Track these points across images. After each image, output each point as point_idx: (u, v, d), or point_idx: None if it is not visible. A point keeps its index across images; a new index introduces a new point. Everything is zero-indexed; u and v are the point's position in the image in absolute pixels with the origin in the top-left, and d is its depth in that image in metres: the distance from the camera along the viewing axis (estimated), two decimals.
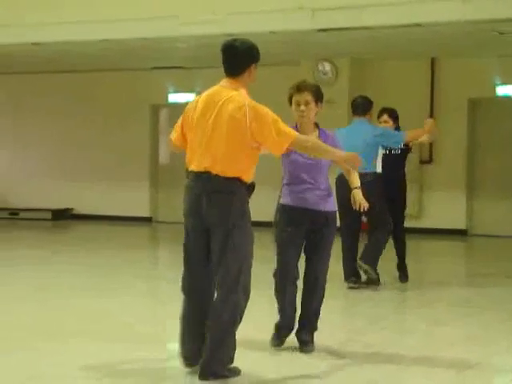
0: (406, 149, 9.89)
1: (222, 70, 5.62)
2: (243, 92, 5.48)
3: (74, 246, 13.75)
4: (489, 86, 15.15)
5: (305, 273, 6.37)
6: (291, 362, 6.07)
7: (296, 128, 6.21)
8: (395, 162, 9.71)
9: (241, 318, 5.47)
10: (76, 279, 9.94)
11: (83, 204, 18.11)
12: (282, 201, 6.38)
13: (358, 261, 9.18)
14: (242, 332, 5.57)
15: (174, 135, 5.66)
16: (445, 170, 15.47)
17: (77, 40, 13.47)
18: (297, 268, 6.35)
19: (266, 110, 5.41)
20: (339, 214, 9.29)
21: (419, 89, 15.52)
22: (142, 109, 17.53)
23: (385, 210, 9.27)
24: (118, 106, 17.69)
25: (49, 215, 18.01)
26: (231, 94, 5.41)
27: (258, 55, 5.62)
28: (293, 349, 6.32)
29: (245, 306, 5.48)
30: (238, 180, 5.37)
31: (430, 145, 15.43)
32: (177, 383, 5.49)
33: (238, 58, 5.53)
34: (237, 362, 5.51)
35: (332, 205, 6.35)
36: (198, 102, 5.55)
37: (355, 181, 6.75)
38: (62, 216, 18.10)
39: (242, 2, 12.59)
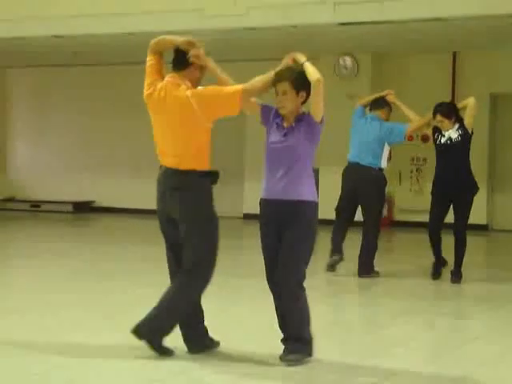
0: (465, 134, 9.29)
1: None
2: (187, 84, 5.64)
3: (96, 239, 13.83)
4: (511, 80, 15.09)
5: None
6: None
7: (282, 120, 5.72)
8: (452, 153, 9.31)
9: (195, 300, 5.74)
10: (100, 272, 10.01)
11: (104, 197, 18.20)
12: None
13: (359, 275, 9.56)
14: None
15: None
16: None
17: (101, 33, 13.55)
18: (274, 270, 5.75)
19: (207, 89, 5.58)
20: (341, 203, 9.86)
21: (441, 83, 15.48)
22: None
23: (380, 213, 9.71)
24: (141, 100, 17.68)
25: (70, 208, 18.11)
26: (174, 89, 5.62)
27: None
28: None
29: (205, 287, 5.73)
30: (194, 172, 5.59)
31: None
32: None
33: (185, 55, 5.71)
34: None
35: (304, 193, 5.66)
36: (157, 98, 5.76)
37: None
38: (83, 208, 18.20)
39: None
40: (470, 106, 9.35)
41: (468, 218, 9.41)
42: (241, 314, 7.50)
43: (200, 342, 5.84)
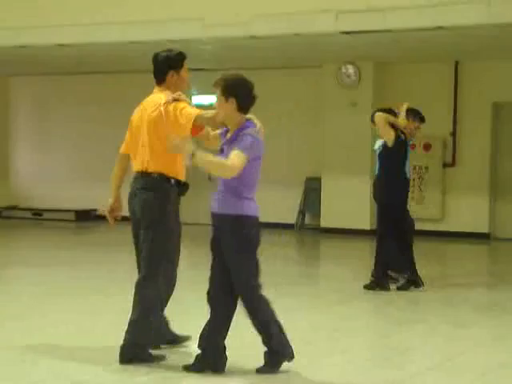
0: (383, 146, 9.44)
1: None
2: (165, 94, 5.95)
3: (97, 248, 13.83)
4: None
5: None
6: (311, 360, 6.09)
7: (226, 132, 5.72)
8: (377, 163, 9.61)
9: (161, 307, 5.93)
10: (106, 280, 10.04)
11: (107, 205, 18.17)
12: None
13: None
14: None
15: (123, 146, 6.27)
16: (468, 173, 15.44)
17: (103, 42, 13.59)
18: (218, 284, 5.65)
19: (177, 104, 5.79)
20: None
21: (443, 92, 15.50)
22: None
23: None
24: None
25: (72, 216, 18.09)
26: (153, 98, 5.99)
27: (175, 63, 6.09)
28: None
29: (166, 295, 5.91)
30: (161, 176, 5.86)
31: (454, 148, 15.43)
32: None
33: (157, 67, 6.10)
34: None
35: (239, 208, 5.50)
36: (136, 110, 6.14)
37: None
38: (86, 217, 18.18)
39: (266, 4, 12.63)
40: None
41: (382, 225, 9.40)
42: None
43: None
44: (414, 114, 9.71)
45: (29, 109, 19.23)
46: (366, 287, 9.33)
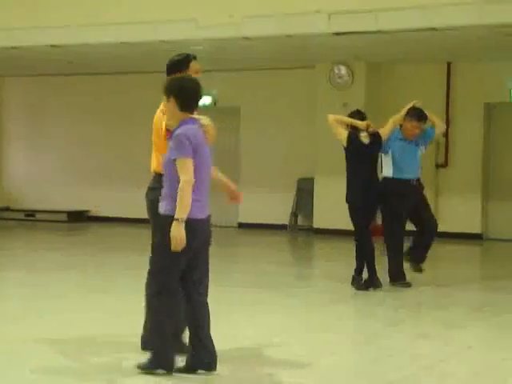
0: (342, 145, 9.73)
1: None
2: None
3: (89, 249, 13.81)
4: (505, 90, 15.14)
5: None
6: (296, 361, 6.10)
7: None
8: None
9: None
10: (100, 280, 10.06)
11: (99, 206, 18.17)
12: None
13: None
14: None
15: None
16: (460, 174, 15.47)
17: (96, 43, 13.59)
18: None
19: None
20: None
21: (435, 93, 15.52)
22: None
23: (387, 218, 9.65)
24: (135, 109, 17.74)
25: (64, 217, 18.08)
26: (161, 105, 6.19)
27: (179, 67, 6.29)
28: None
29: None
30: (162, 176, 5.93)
31: (446, 149, 15.46)
32: None
33: (167, 73, 6.36)
34: None
35: (164, 207, 5.60)
36: None
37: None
38: (78, 218, 18.17)
39: (258, 5, 12.65)
40: None
41: (353, 225, 9.57)
42: (237, 322, 7.51)
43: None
44: (412, 114, 9.76)
45: (21, 110, 19.20)
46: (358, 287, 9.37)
